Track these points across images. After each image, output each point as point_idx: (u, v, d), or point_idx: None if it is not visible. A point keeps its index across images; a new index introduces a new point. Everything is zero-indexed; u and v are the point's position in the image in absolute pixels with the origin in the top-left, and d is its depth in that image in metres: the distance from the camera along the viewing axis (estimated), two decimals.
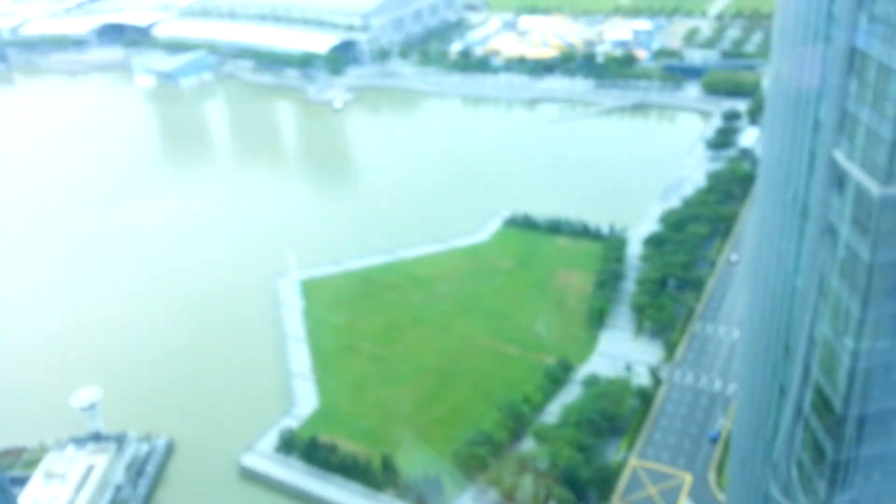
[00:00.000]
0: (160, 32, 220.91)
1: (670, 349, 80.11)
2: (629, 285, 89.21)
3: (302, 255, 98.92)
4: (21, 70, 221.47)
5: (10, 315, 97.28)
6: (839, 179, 33.69)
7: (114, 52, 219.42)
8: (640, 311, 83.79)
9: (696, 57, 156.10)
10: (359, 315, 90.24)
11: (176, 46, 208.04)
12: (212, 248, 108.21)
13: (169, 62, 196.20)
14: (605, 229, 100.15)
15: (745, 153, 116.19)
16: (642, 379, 75.52)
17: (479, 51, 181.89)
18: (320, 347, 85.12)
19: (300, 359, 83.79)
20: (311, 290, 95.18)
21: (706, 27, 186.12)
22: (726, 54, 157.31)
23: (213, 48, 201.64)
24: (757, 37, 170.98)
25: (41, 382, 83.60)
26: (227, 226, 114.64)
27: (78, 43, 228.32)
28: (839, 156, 32.96)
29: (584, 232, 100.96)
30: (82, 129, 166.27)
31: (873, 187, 30.00)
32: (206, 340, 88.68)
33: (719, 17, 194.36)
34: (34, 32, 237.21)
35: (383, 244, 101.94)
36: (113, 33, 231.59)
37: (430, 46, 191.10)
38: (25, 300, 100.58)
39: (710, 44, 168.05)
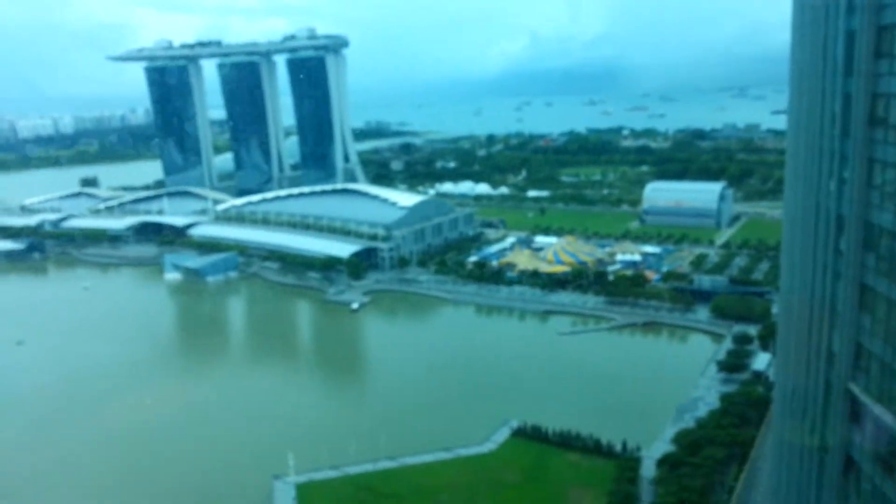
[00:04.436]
0: (195, 233, 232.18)
1: None
2: None
3: (303, 457, 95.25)
4: (55, 261, 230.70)
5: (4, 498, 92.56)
6: (857, 413, 32.74)
7: (147, 250, 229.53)
8: None
9: (704, 281, 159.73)
10: None
11: (208, 247, 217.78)
12: (212, 443, 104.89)
13: (197, 260, 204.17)
14: (617, 446, 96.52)
15: (758, 377, 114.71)
16: None
17: (494, 263, 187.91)
18: None
19: None
20: (308, 495, 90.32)
21: (713, 254, 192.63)
22: (734, 280, 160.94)
23: (242, 250, 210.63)
24: (764, 265, 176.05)
25: None
26: (231, 421, 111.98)
27: (114, 239, 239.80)
28: (856, 389, 32.33)
29: (595, 448, 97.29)
30: (104, 319, 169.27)
31: (892, 423, 29.03)
32: None
33: (726, 245, 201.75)
34: (74, 226, 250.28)
35: (387, 449, 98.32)
36: (150, 232, 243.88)
37: (448, 257, 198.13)
38: (20, 485, 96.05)
39: (717, 270, 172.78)
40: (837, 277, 34.02)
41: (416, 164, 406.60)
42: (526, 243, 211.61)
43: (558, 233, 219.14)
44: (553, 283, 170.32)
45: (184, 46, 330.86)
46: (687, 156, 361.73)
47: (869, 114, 33.04)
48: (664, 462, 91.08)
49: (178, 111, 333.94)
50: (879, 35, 32.77)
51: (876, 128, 32.68)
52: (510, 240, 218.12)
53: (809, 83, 40.28)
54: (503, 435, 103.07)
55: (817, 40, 38.52)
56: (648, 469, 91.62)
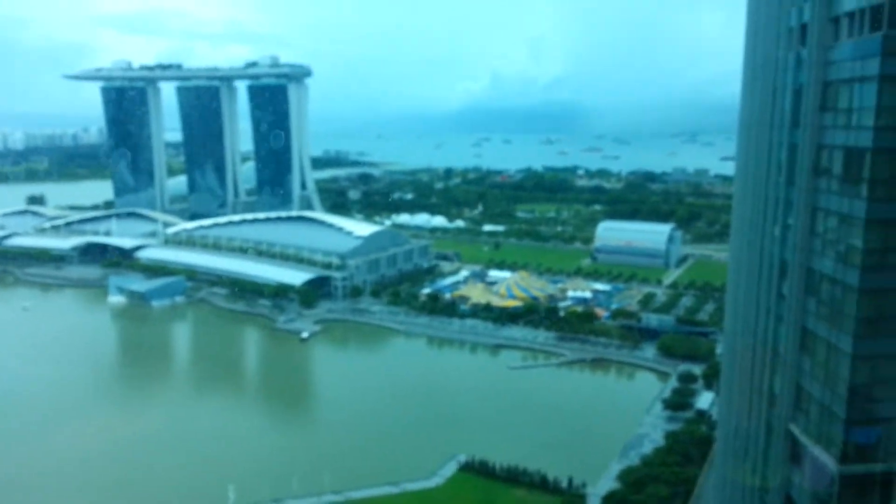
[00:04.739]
0: (142, 256, 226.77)
1: None
2: None
3: (245, 490, 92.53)
4: None
5: None
6: (796, 453, 33.26)
7: (92, 271, 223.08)
8: None
9: (652, 320, 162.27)
10: None
11: (156, 270, 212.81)
12: (152, 474, 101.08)
13: (143, 283, 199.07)
14: (563, 482, 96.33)
15: (702, 415, 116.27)
16: None
17: (448, 296, 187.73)
18: None
19: None
20: None
21: (661, 294, 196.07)
22: (681, 320, 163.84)
23: (191, 274, 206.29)
24: (709, 306, 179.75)
25: None
26: (172, 452, 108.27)
27: (58, 259, 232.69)
28: (796, 430, 32.89)
29: (542, 484, 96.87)
30: (44, 341, 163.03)
31: (831, 464, 29.55)
32: None
33: (673, 285, 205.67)
34: (17, 244, 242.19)
35: (333, 483, 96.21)
36: (96, 253, 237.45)
37: (402, 288, 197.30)
38: None
39: (664, 309, 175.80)
40: (780, 321, 34.79)
41: (373, 194, 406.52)
42: (480, 277, 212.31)
43: (512, 267, 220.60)
44: (505, 317, 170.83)
45: (143, 68, 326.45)
46: (638, 197, 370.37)
47: (814, 164, 34.20)
48: (609, 499, 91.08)
49: (133, 132, 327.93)
50: (825, 90, 34.09)
51: (820, 177, 33.82)
52: (464, 273, 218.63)
53: (757, 132, 41.59)
54: (451, 469, 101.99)
55: (766, 93, 39.90)
56: None
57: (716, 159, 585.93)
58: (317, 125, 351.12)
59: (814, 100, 34.48)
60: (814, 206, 33.79)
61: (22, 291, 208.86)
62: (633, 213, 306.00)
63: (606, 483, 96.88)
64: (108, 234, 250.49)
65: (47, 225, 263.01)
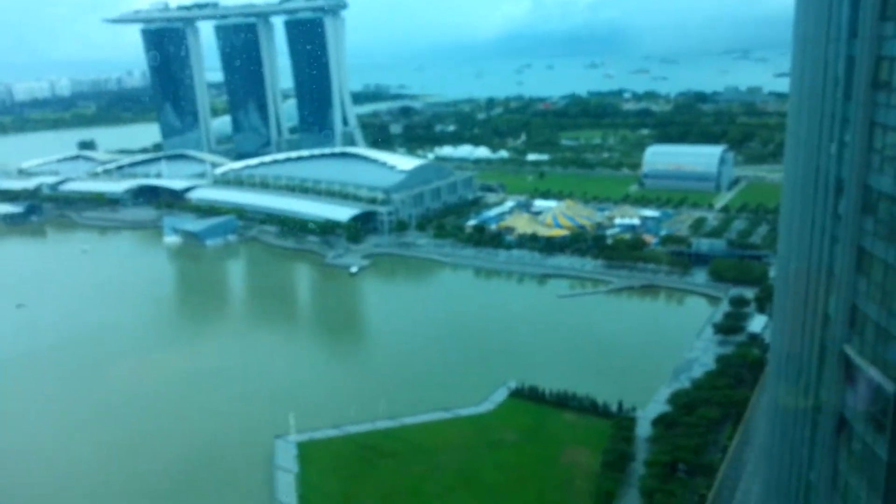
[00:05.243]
0: (193, 196, 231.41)
1: None
2: (638, 467, 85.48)
3: (304, 417, 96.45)
4: (53, 224, 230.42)
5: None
6: (850, 374, 33.07)
7: (146, 213, 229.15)
8: (649, 495, 79.58)
9: (702, 245, 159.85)
10: (355, 484, 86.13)
11: (207, 210, 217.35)
12: (213, 405, 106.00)
13: (196, 223, 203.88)
14: (613, 406, 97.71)
15: (754, 339, 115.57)
16: None
17: (493, 227, 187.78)
18: None
19: None
20: (309, 453, 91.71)
21: (712, 218, 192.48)
22: (732, 244, 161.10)
23: (241, 213, 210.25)
24: (762, 229, 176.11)
25: None
26: (232, 384, 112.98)
27: (112, 202, 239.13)
28: (850, 351, 32.58)
29: (591, 408, 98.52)
30: (103, 282, 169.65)
31: (887, 385, 29.32)
32: (194, 501, 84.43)
33: (725, 209, 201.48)
34: (72, 189, 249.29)
35: (387, 410, 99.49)
36: (148, 195, 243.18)
37: (447, 220, 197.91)
38: (15, 448, 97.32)
39: (716, 233, 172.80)
40: (835, 241, 34.08)
41: (415, 127, 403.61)
42: (525, 207, 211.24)
43: (557, 197, 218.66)
44: (552, 246, 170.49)
45: (180, 8, 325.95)
46: (688, 119, 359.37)
47: (873, 77, 32.76)
48: (659, 422, 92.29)
49: (176, 74, 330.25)
50: None
51: (879, 91, 32.42)
52: (509, 204, 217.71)
53: (813, 46, 39.82)
54: (501, 395, 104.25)
55: (822, 2, 37.99)
56: (644, 428, 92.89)
57: (770, 76, 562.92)
58: (355, 58, 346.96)
59: (873, 7, 32.76)
60: (872, 121, 32.50)
61: (80, 234, 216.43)
62: (683, 136, 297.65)
63: (657, 406, 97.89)
64: (158, 176, 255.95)
65: (100, 169, 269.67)
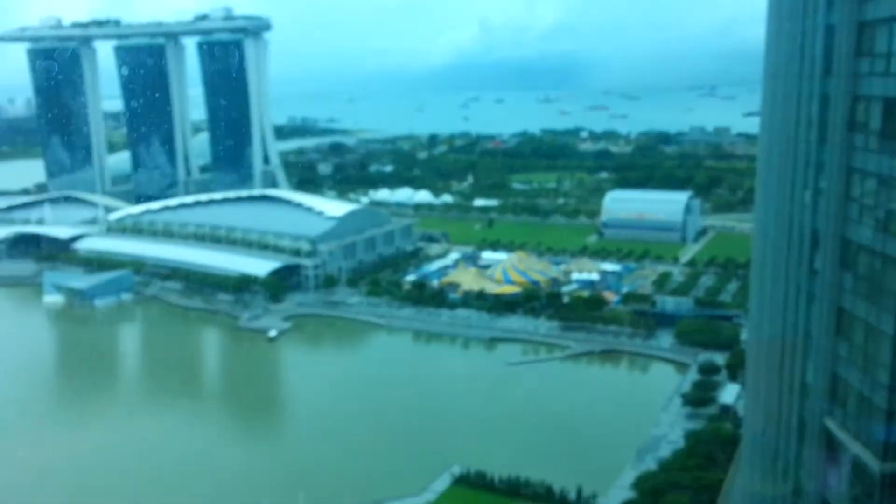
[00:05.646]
0: (82, 247, 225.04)
1: None
2: None
3: None
4: None
5: None
6: (833, 452, 33.18)
7: (24, 266, 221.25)
8: None
9: (668, 303, 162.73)
10: None
11: (97, 264, 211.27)
12: (102, 496, 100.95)
13: (84, 280, 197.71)
14: (571, 493, 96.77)
15: (727, 411, 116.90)
16: None
17: (435, 283, 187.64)
18: None
19: None
20: None
21: (677, 273, 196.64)
22: (700, 303, 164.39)
23: (138, 267, 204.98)
24: (732, 286, 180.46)
25: None
26: (125, 471, 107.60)
27: None
28: (832, 425, 32.76)
29: (547, 496, 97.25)
30: None
31: (873, 463, 29.44)
32: None
33: (692, 262, 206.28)
34: None
35: None
36: (26, 245, 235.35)
37: (382, 275, 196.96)
38: None
39: (682, 290, 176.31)
40: (811, 300, 34.59)
41: (346, 167, 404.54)
42: (471, 260, 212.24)
43: (508, 248, 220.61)
44: (501, 305, 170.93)
45: (75, 25, 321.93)
46: (650, 162, 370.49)
47: (849, 118, 33.81)
48: None
49: (67, 102, 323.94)
50: (861, 31, 33.60)
51: (856, 133, 33.43)
52: (453, 256, 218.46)
53: (784, 83, 41.18)
54: (443, 483, 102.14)
55: (794, 36, 39.42)
56: None
57: (738, 115, 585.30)
58: (279, 88, 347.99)
59: (849, 43, 34.04)
60: (849, 167, 33.44)
61: None
62: (645, 181, 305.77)
63: (620, 493, 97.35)
64: (40, 222, 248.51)
65: None
